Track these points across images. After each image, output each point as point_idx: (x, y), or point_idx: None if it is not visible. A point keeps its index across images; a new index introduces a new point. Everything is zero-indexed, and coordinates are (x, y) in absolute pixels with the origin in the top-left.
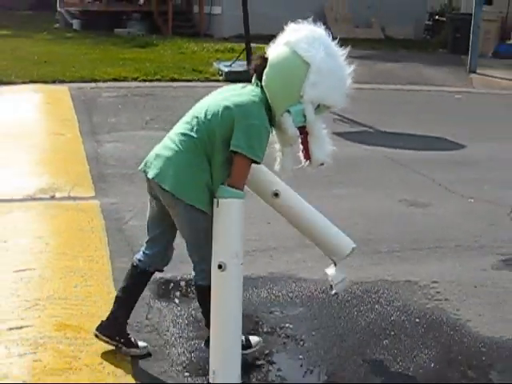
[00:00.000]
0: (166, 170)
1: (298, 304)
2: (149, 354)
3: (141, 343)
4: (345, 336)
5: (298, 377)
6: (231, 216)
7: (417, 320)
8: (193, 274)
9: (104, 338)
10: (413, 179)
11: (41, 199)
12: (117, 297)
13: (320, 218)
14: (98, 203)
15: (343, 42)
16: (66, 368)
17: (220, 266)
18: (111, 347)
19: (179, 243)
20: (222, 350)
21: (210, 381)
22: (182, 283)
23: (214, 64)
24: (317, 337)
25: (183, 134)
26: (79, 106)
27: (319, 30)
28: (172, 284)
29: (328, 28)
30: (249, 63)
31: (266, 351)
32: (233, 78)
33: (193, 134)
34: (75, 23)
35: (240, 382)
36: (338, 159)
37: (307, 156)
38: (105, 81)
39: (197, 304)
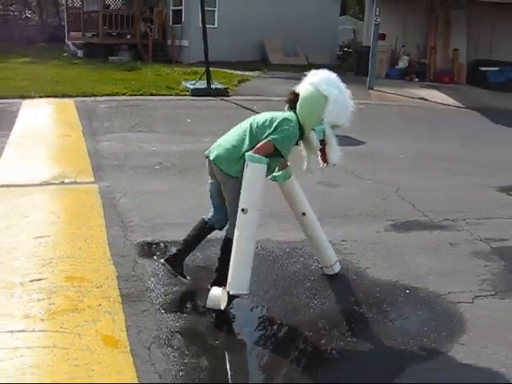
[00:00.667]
0: (223, 156)
1: None
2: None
3: (188, 277)
4: (278, 281)
5: (247, 313)
6: (255, 174)
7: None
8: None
9: (168, 265)
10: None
11: (53, 184)
12: (184, 240)
13: (323, 235)
14: (97, 186)
15: (278, 67)
16: (73, 309)
17: (243, 210)
18: (108, 293)
19: (155, 213)
20: (238, 268)
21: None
22: (161, 245)
23: (183, 83)
24: (258, 282)
25: (240, 135)
26: (82, 114)
27: (332, 74)
28: (152, 246)
29: (267, 56)
30: (208, 82)
31: None
32: (196, 93)
33: (247, 135)
34: (79, 52)
35: (248, 292)
36: None
37: (325, 160)
38: (101, 95)
39: None
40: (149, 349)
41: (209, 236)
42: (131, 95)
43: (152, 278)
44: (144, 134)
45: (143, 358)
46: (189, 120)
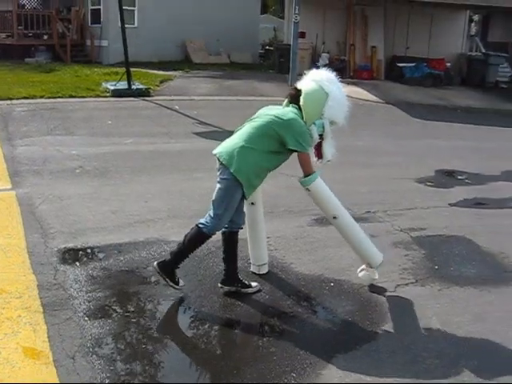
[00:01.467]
0: (226, 152)
1: None
2: (259, 291)
3: (253, 284)
4: (206, 278)
5: (173, 313)
6: (322, 190)
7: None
8: (202, 220)
9: (226, 287)
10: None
11: None
12: (223, 258)
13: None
14: (14, 193)
15: (200, 66)
16: None
17: (335, 217)
18: (28, 303)
19: (76, 219)
20: (370, 249)
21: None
22: (81, 252)
23: (103, 84)
24: (185, 280)
25: (245, 135)
26: None
27: (332, 74)
28: (74, 252)
29: (189, 56)
30: (129, 83)
31: (156, 290)
32: (117, 94)
33: (254, 134)
34: None
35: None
36: (196, 151)
37: (319, 155)
38: (18, 98)
39: (93, 265)
40: (73, 358)
41: (133, 239)
42: (49, 98)
43: (74, 285)
44: (63, 138)
45: (67, 367)
46: (110, 122)
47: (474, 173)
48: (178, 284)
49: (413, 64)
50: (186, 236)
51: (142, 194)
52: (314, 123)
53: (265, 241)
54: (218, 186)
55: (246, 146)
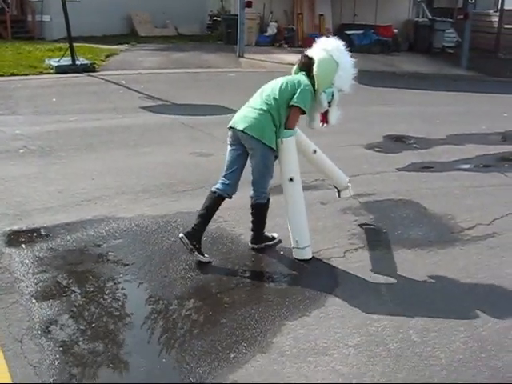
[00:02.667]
0: (254, 125)
1: (117, 236)
2: (210, 262)
3: (206, 255)
4: (155, 253)
5: (122, 290)
6: (292, 148)
7: (205, 238)
8: (252, 194)
9: (186, 240)
10: (200, 137)
11: None
12: (200, 214)
13: (332, 165)
14: None
15: (146, 39)
16: None
17: (291, 179)
18: None
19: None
20: (301, 227)
21: (294, 245)
22: (28, 233)
23: (46, 61)
24: (134, 256)
25: (261, 105)
26: None
27: (341, 43)
28: (19, 234)
29: (135, 29)
30: (73, 58)
31: (104, 269)
32: (61, 70)
33: (269, 103)
34: None
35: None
36: (143, 126)
37: (325, 120)
38: None
39: (39, 246)
40: (20, 341)
41: (81, 218)
42: None
43: (21, 268)
44: (6, 118)
45: (15, 351)
46: (54, 99)
47: (421, 137)
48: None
49: (361, 31)
50: (252, 214)
51: (89, 171)
52: (325, 91)
53: (336, 167)
54: (254, 160)
55: (268, 115)
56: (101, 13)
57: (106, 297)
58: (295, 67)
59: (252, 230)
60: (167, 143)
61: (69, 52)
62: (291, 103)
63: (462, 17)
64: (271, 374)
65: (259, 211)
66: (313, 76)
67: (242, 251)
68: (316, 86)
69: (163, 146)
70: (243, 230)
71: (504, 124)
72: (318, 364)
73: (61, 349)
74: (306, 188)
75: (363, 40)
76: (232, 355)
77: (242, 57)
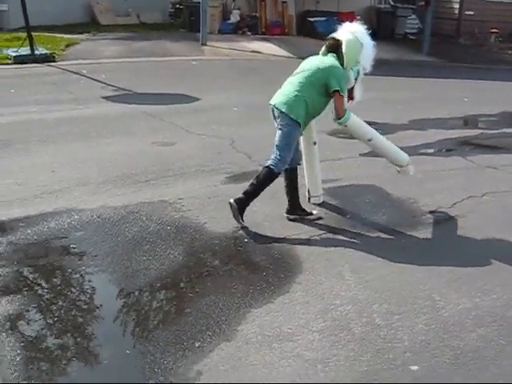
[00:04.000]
0: (285, 101)
1: (79, 228)
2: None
3: (314, 211)
4: (118, 244)
5: (83, 282)
6: (356, 122)
7: (168, 228)
8: (270, 162)
9: (292, 216)
10: (162, 126)
11: None
12: (286, 192)
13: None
14: None
15: (108, 28)
16: None
17: (370, 140)
18: None
19: None
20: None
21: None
22: None
23: (4, 51)
24: (97, 248)
25: (297, 84)
26: None
27: (362, 27)
28: None
29: (96, 18)
30: (32, 48)
31: (66, 261)
32: (19, 60)
33: (303, 82)
34: None
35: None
36: (105, 116)
37: (351, 97)
38: None
39: None
40: None
41: (41, 211)
42: None
43: None
44: None
45: None
46: (12, 90)
47: (384, 122)
48: (243, 221)
49: (324, 18)
50: (257, 177)
51: (49, 163)
52: (352, 69)
53: (320, 174)
54: (280, 131)
55: (300, 94)
56: (61, 1)
57: (68, 290)
58: (323, 49)
59: (243, 193)
60: (129, 133)
61: (27, 42)
62: (332, 89)
63: (423, 3)
64: (236, 362)
65: (263, 175)
66: (342, 56)
67: (206, 240)
68: (345, 65)
69: (125, 136)
70: (207, 219)
71: (465, 109)
72: (282, 350)
73: (22, 344)
74: None
75: (326, 27)
76: (197, 344)
77: (205, 45)
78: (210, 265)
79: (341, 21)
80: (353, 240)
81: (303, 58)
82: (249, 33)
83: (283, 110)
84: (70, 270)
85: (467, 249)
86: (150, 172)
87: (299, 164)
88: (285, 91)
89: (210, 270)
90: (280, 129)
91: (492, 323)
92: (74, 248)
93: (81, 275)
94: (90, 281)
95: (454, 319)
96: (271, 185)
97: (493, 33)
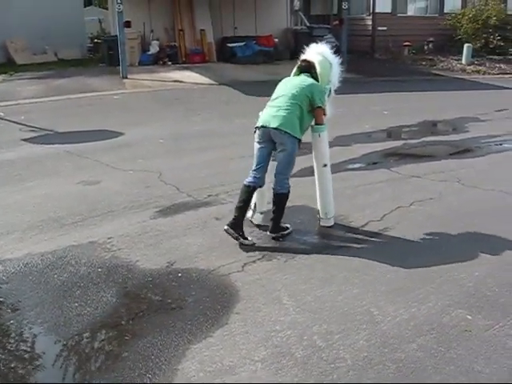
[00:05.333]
0: (286, 122)
1: (5, 280)
2: (254, 244)
3: (250, 239)
4: (47, 293)
5: (11, 335)
6: (326, 139)
7: (99, 270)
8: (274, 185)
9: (231, 231)
10: (87, 164)
11: None
12: (237, 207)
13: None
14: None
15: (25, 68)
16: None
17: (325, 165)
18: None
19: None
20: (329, 201)
21: (323, 217)
22: None
23: None
24: (25, 299)
25: (287, 104)
26: None
27: (327, 47)
28: None
29: (12, 57)
30: None
31: None
32: None
33: (293, 102)
34: None
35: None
36: (27, 159)
37: (324, 113)
38: None
39: None
40: None
41: None
42: None
43: None
44: None
45: None
46: None
47: (308, 142)
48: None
49: (243, 43)
50: (276, 207)
51: None
52: (325, 87)
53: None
54: (285, 152)
55: (294, 113)
56: None
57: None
58: (294, 70)
59: (271, 220)
60: (53, 174)
61: None
62: (316, 105)
63: (337, 23)
64: None
65: (281, 200)
66: (316, 76)
67: (139, 279)
68: (320, 84)
69: (49, 178)
70: (139, 257)
71: (386, 121)
72: None
73: None
74: (199, 205)
75: (246, 51)
76: None
77: (126, 78)
78: (145, 304)
79: (259, 44)
80: (288, 263)
81: (225, 84)
82: (169, 63)
83: (288, 130)
84: None
85: (400, 260)
86: (77, 213)
87: (261, 186)
88: (278, 113)
89: (145, 310)
90: (283, 150)
91: (430, 331)
92: (1, 302)
93: (8, 330)
94: (19, 335)
95: (394, 332)
96: (201, 217)
97: (406, 46)
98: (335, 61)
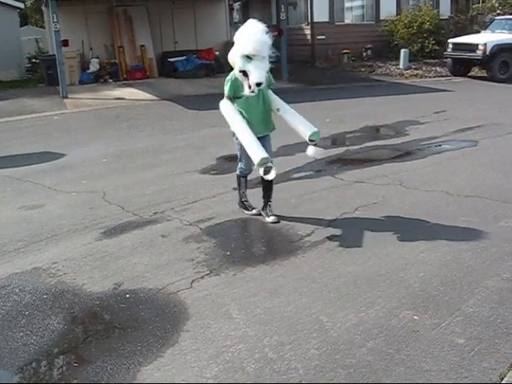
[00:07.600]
0: (271, 123)
1: None
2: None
3: (255, 209)
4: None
5: None
6: (224, 110)
7: (45, 296)
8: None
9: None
10: (28, 188)
11: None
12: (238, 189)
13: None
14: None
15: None
16: None
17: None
18: None
19: None
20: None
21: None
22: None
23: None
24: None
25: (264, 106)
26: None
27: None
28: None
29: None
30: None
31: None
32: None
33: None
34: None
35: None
36: None
37: (249, 86)
38: None
39: None
40: None
41: None
42: None
43: None
44: None
45: None
46: None
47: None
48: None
49: (183, 57)
50: (266, 186)
51: None
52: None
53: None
54: (269, 142)
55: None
56: None
57: None
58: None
59: (264, 198)
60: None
61: None
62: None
63: (276, 33)
64: None
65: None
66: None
67: (86, 303)
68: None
69: (9, 201)
70: (85, 280)
71: (328, 129)
72: None
73: None
74: (145, 223)
75: (187, 65)
76: None
77: (67, 97)
78: (94, 328)
79: (200, 58)
80: (235, 276)
81: (168, 99)
82: (110, 80)
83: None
84: None
85: (347, 266)
86: (20, 239)
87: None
88: (267, 116)
89: (93, 334)
90: (268, 141)
91: (379, 334)
92: None
93: None
94: None
95: (344, 338)
96: (147, 235)
97: (345, 53)
98: (237, 37)
